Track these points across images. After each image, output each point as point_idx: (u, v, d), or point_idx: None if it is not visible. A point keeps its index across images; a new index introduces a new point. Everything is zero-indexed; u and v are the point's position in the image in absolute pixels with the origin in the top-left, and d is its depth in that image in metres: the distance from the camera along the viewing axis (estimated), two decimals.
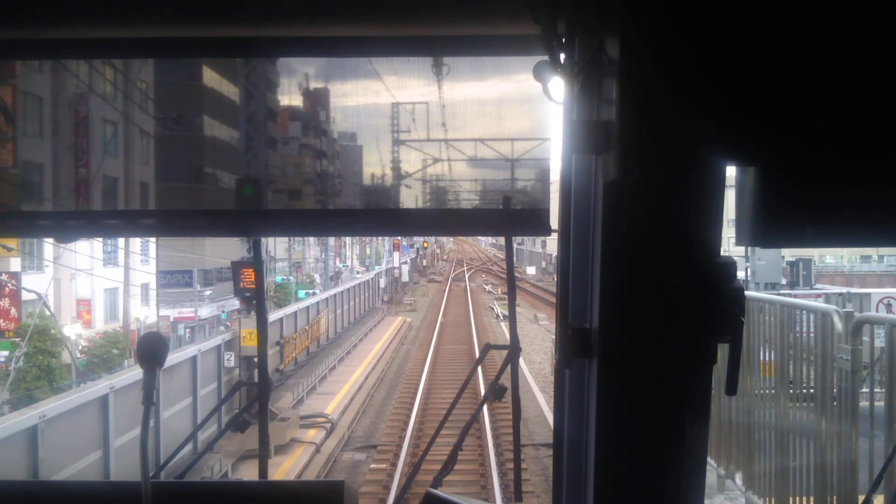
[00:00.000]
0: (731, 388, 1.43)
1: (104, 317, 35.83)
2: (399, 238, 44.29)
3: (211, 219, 1.71)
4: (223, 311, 40.07)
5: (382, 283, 44.07)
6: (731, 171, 1.35)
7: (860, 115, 1.21)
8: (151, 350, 1.55)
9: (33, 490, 1.82)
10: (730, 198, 1.37)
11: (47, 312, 25.13)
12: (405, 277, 51.85)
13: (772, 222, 1.24)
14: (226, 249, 42.61)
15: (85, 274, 31.66)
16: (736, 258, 1.40)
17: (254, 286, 14.87)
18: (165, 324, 36.46)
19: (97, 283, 32.77)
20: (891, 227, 1.28)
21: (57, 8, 1.50)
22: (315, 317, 25.41)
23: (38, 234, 1.69)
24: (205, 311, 39.07)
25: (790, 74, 1.19)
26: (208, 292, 38.98)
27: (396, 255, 50.27)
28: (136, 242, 32.16)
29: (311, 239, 50.21)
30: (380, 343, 28.36)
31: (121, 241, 27.45)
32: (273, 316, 20.59)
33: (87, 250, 29.52)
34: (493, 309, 37.83)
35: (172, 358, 12.97)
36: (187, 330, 37.34)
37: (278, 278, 45.41)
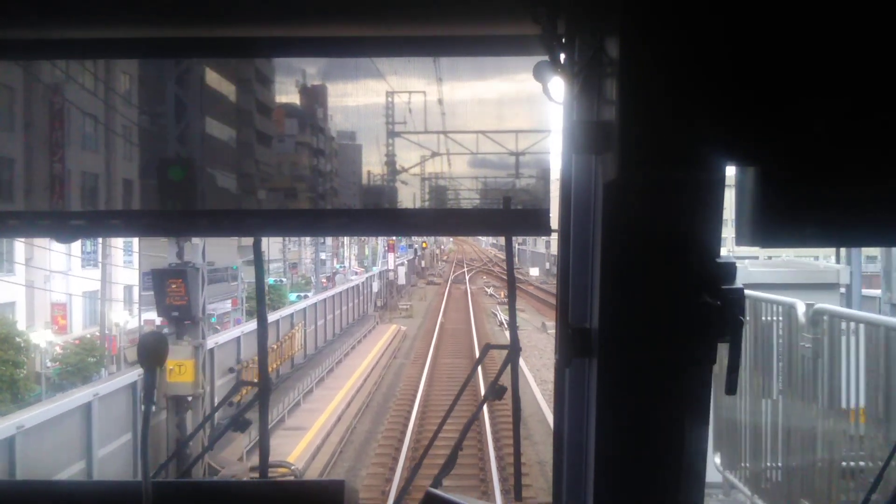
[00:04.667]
0: (731, 387, 1.48)
1: (84, 321, 34.46)
2: (394, 238, 43.10)
3: (211, 219, 1.78)
4: (213, 315, 38.51)
5: (375, 286, 41.46)
6: (730, 171, 1.39)
7: (860, 115, 1.25)
8: (152, 350, 1.63)
9: (33, 490, 1.88)
10: (730, 198, 1.41)
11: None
12: (401, 280, 49.54)
13: (772, 222, 1.29)
14: (218, 249, 42.22)
15: (61, 275, 31.04)
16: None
17: (183, 302, 12.55)
18: (150, 328, 35.83)
19: (76, 285, 31.34)
20: (891, 227, 1.32)
21: (55, 8, 1.55)
22: (288, 331, 22.30)
23: (39, 234, 1.77)
24: None
25: (790, 74, 1.24)
26: None
27: (391, 256, 47.68)
28: (118, 242, 32.01)
29: (308, 238, 49.58)
30: (369, 357, 25.89)
31: (98, 239, 27.15)
32: (227, 335, 17.44)
33: (63, 250, 28.30)
34: (495, 315, 36.69)
35: (54, 407, 10.30)
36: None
37: (271, 280, 43.64)
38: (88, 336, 31.19)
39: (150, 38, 1.66)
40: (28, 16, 1.55)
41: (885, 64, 1.22)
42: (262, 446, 2.02)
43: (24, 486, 1.92)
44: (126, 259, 34.77)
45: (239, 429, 1.89)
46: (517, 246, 73.18)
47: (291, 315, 23.67)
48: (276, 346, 20.84)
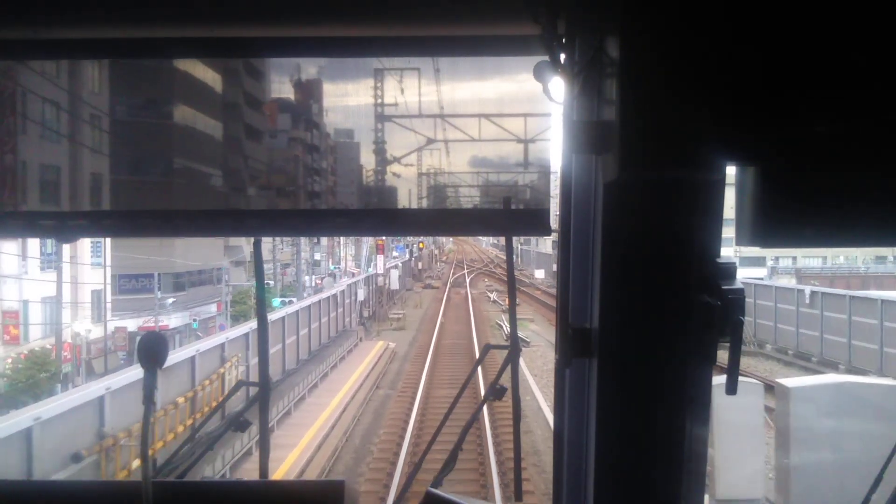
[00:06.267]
0: (732, 388, 1.55)
1: (44, 330, 31.32)
2: (383, 239, 39.65)
3: (211, 219, 1.88)
4: (195, 320, 36.76)
5: (361, 294, 36.90)
6: (731, 171, 1.45)
7: (861, 114, 1.32)
8: (151, 350, 1.74)
9: (33, 490, 1.98)
10: (730, 197, 1.48)
11: None
12: (394, 285, 45.95)
13: (772, 222, 1.36)
14: (204, 251, 41.55)
15: (13, 280, 27.86)
16: None
17: None
18: (122, 335, 32.90)
19: (32, 291, 29.43)
20: (891, 227, 1.39)
21: (54, 9, 1.64)
22: (216, 369, 16.36)
23: (39, 233, 1.92)
24: (175, 321, 35.76)
25: (790, 74, 1.31)
26: (171, 300, 35.33)
27: (380, 258, 43.66)
28: (85, 241, 31.20)
29: (302, 239, 48.17)
30: (342, 391, 20.95)
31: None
32: (72, 398, 11.75)
33: (16, 252, 25.99)
34: (501, 326, 34.29)
35: None
36: None
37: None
38: (39, 349, 28.56)
39: (149, 39, 1.74)
40: (25, 16, 1.64)
41: (885, 64, 1.29)
42: (262, 446, 2.14)
43: (24, 486, 2.05)
44: (95, 261, 32.21)
45: (239, 429, 2.05)
46: (520, 247, 73.36)
47: (222, 345, 16.90)
48: (189, 396, 14.72)
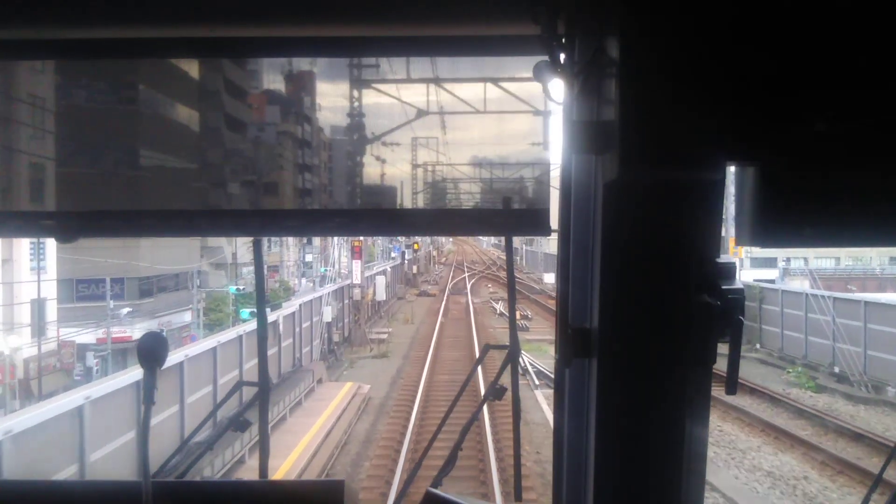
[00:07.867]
0: (731, 388, 1.65)
1: None
2: (360, 240, 35.24)
3: (211, 219, 1.99)
4: (163, 330, 30.93)
5: (328, 313, 28.91)
6: (730, 171, 1.54)
7: (861, 114, 1.40)
8: (151, 350, 1.86)
9: (33, 490, 2.08)
10: (729, 197, 1.56)
11: None
12: (381, 296, 40.25)
13: (772, 222, 1.45)
14: (169, 253, 39.95)
15: None
16: None
17: None
18: (68, 351, 29.56)
19: None
20: (891, 227, 1.48)
21: (49, 8, 1.74)
22: None
23: (40, 233, 2.06)
24: (140, 331, 32.43)
25: (790, 74, 1.39)
26: (126, 310, 31.60)
27: (357, 264, 36.06)
28: (23, 243, 29.56)
29: (290, 239, 44.17)
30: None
31: None
32: None
33: None
34: None
35: None
36: (97, 360, 30.08)
37: (231, 289, 37.50)
38: None
39: (148, 39, 1.83)
40: (21, 17, 1.73)
41: (885, 64, 1.38)
42: (262, 446, 2.23)
43: (24, 486, 2.19)
44: (33, 266, 28.97)
45: (239, 429, 2.22)
46: (524, 247, 73.31)
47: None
48: None
